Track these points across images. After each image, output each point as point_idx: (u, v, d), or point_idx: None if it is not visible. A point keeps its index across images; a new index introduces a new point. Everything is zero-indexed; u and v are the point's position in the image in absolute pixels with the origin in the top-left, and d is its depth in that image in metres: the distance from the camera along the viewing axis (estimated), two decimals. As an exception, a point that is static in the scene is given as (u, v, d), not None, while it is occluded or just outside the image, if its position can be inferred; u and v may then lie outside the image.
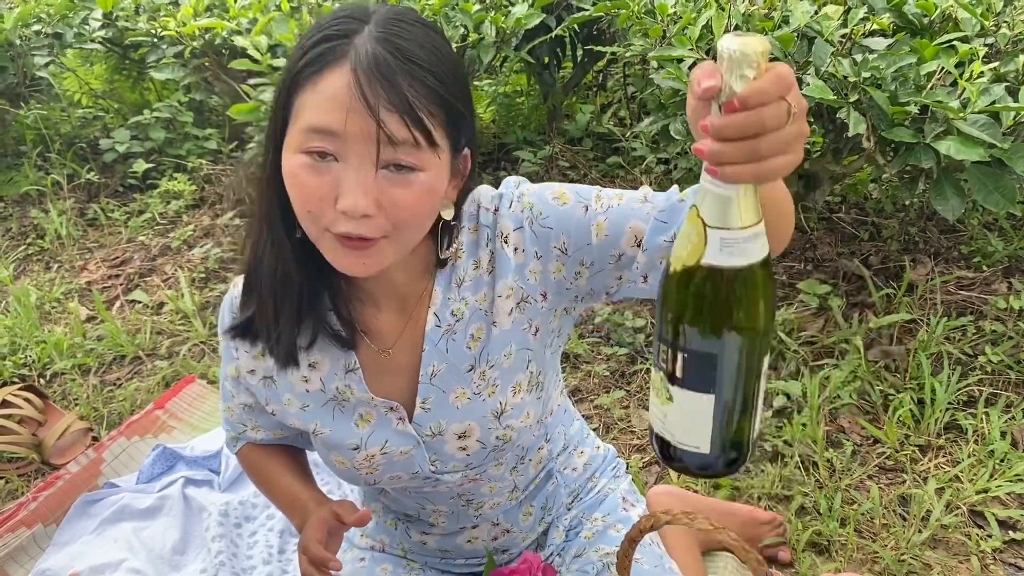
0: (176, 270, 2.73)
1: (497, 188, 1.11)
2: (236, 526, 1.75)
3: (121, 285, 2.73)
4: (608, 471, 1.48)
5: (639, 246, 1.01)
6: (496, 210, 1.08)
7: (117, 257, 2.88)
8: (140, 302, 2.62)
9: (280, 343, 1.07)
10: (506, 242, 1.07)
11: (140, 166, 3.25)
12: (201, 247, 2.83)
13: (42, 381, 2.28)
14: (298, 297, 1.04)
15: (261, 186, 1.01)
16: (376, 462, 1.16)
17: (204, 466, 1.89)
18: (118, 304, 2.64)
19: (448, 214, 1.01)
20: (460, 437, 1.14)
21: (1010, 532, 1.63)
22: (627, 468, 1.51)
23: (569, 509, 1.41)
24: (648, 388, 2.07)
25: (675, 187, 1.04)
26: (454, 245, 1.08)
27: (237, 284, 1.13)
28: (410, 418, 1.14)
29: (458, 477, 1.21)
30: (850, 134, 1.80)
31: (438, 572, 1.41)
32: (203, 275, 2.71)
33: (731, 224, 0.65)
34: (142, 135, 3.37)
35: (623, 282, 1.08)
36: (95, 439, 2.05)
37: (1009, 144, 1.76)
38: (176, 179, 3.18)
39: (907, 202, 2.52)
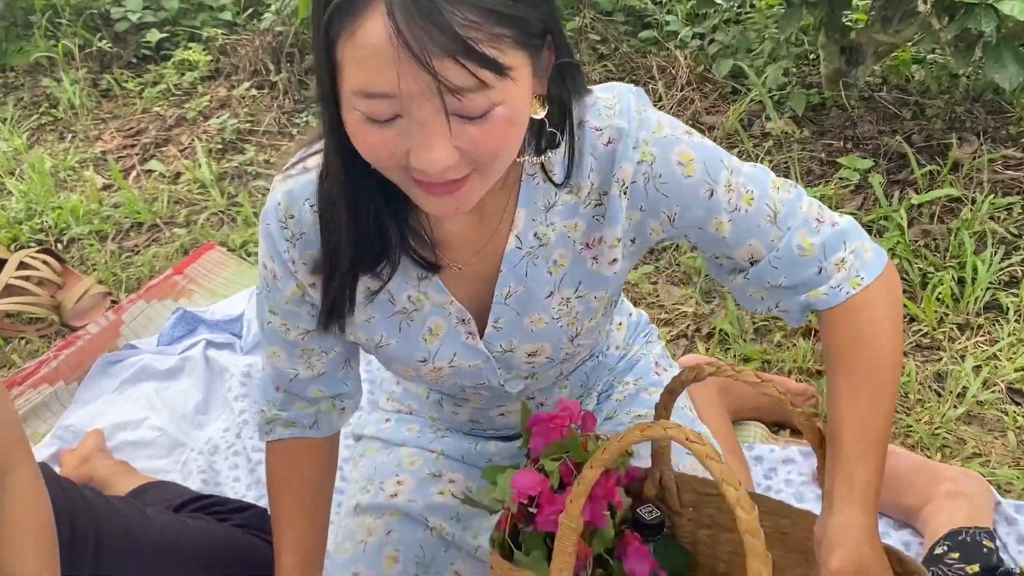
0: (193, 140, 2.67)
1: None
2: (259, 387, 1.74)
3: (137, 155, 2.67)
4: (640, 337, 1.44)
5: (752, 263, 0.99)
6: (610, 142, 0.95)
7: (132, 127, 2.81)
8: (157, 172, 2.56)
9: (362, 265, 0.97)
10: (624, 193, 0.96)
11: (154, 36, 3.14)
12: (218, 118, 2.75)
13: (59, 246, 2.25)
14: (376, 222, 0.93)
15: (326, 130, 0.86)
16: (443, 373, 1.10)
17: (225, 329, 1.87)
18: (134, 174, 2.58)
19: (540, 114, 0.87)
20: (530, 355, 1.09)
21: (1049, 409, 1.60)
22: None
23: (603, 378, 1.38)
24: (677, 264, 2.02)
25: (797, 206, 0.98)
26: (549, 158, 0.96)
27: (276, 191, 1.00)
28: (480, 334, 1.07)
29: (522, 384, 1.17)
30: (906, -7, 1.69)
31: (464, 435, 1.38)
32: (220, 146, 2.64)
33: None
34: (155, 5, 3.24)
35: (714, 268, 1.06)
36: (114, 303, 2.03)
37: (1079, 4, 1.65)
38: (191, 49, 3.08)
39: (960, 73, 2.40)
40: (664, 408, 1.05)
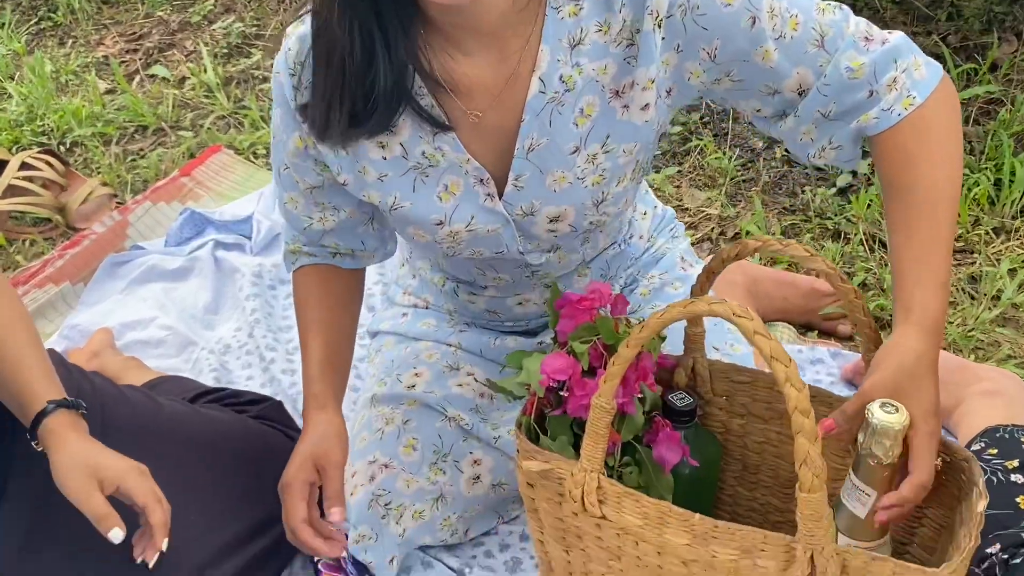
0: (197, 45, 2.57)
1: None
2: (270, 288, 1.69)
3: (140, 60, 2.58)
4: (666, 231, 1.38)
5: (800, 94, 0.92)
6: None
7: (134, 32, 2.72)
8: (160, 76, 2.47)
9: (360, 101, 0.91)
10: (658, 26, 0.90)
11: (154, -63, 3.02)
12: (223, 22, 2.66)
13: (62, 149, 2.19)
14: (373, 45, 0.88)
15: None
16: (460, 238, 1.04)
17: (234, 230, 1.82)
18: (137, 79, 2.50)
19: None
20: (552, 220, 1.03)
21: (1087, 311, 1.54)
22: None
23: (626, 269, 1.33)
24: (701, 167, 1.94)
25: (844, 26, 0.91)
26: None
27: (288, 39, 0.96)
28: (500, 194, 1.02)
29: (544, 257, 1.11)
30: None
31: (482, 329, 1.34)
32: (226, 50, 2.55)
33: (858, 538, 0.86)
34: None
35: (760, 116, 0.98)
36: (119, 204, 1.97)
37: None
38: (194, -50, 2.96)
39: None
40: (701, 290, 1.00)
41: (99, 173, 2.08)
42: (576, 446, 0.93)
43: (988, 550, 1.03)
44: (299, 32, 0.95)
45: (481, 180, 0.99)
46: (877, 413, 0.81)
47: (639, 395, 0.97)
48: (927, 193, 0.89)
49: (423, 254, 1.29)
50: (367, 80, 0.90)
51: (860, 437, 0.83)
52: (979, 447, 1.21)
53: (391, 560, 1.15)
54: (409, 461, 1.18)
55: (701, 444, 1.02)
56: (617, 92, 0.96)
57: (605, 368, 0.88)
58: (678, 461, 0.98)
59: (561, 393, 0.95)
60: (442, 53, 0.93)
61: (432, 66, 0.92)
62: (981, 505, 0.83)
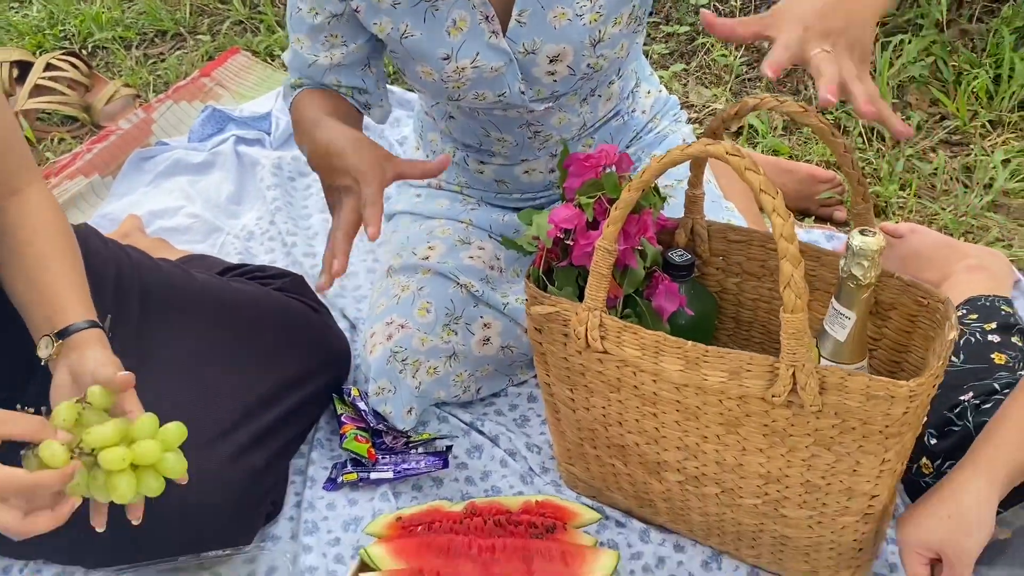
0: (211, -48, 2.60)
1: None
2: (290, 179, 1.76)
3: (156, -34, 2.61)
4: (669, 115, 1.44)
5: None
6: None
7: (149, -60, 2.74)
8: (176, -17, 2.51)
9: None
10: None
11: None
12: (236, -71, 2.67)
13: (84, 53, 2.24)
14: None
15: None
16: (465, 75, 1.12)
17: (254, 127, 1.88)
18: (154, -15, 2.53)
19: None
20: (552, 61, 1.11)
21: (1076, 197, 1.60)
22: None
23: (628, 147, 1.39)
24: (707, 65, 1.99)
25: None
26: None
27: None
28: (504, 31, 1.08)
29: (542, 106, 1.18)
30: None
31: (492, 206, 1.41)
32: (240, -44, 2.58)
33: (840, 360, 0.94)
34: None
35: None
36: (142, 104, 2.03)
37: None
38: None
39: None
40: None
41: (121, 75, 2.14)
42: (580, 296, 1.01)
43: (961, 397, 1.12)
44: None
45: (487, 17, 1.07)
46: (856, 237, 0.89)
47: (640, 248, 1.05)
48: None
49: (431, 111, 1.35)
50: None
51: (841, 262, 0.91)
52: (961, 313, 1.29)
53: (409, 410, 1.24)
54: (423, 322, 1.26)
55: (697, 297, 1.10)
56: None
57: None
58: (675, 310, 1.06)
59: (568, 242, 1.03)
60: None
61: None
62: (952, 335, 0.91)
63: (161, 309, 1.19)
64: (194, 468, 0.92)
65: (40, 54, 2.21)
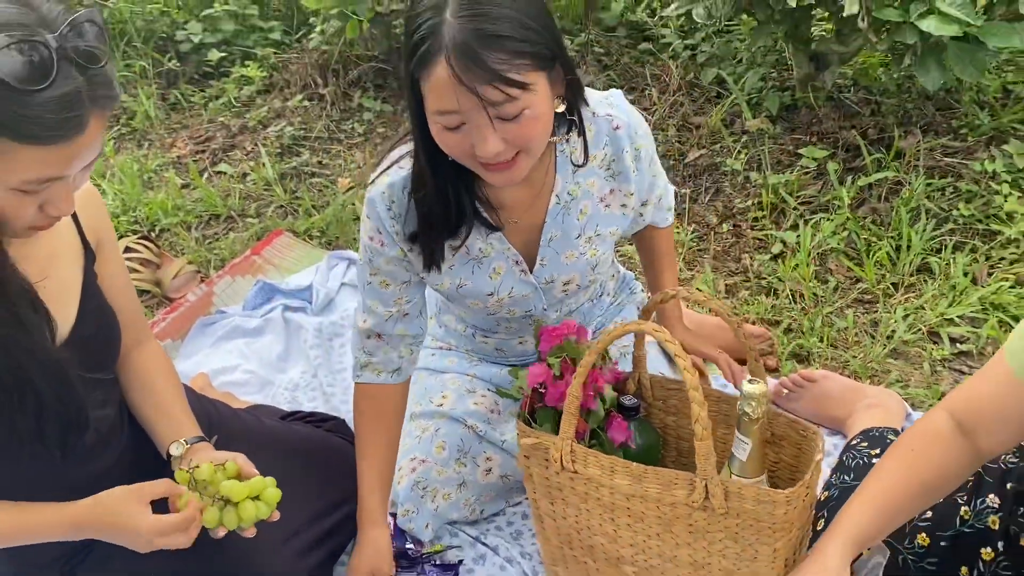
0: (256, 145, 3.11)
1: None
2: (328, 339, 2.17)
3: (207, 159, 3.11)
4: (625, 288, 1.86)
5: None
6: (618, 128, 1.42)
7: (201, 135, 3.26)
8: (226, 172, 3.00)
9: (450, 210, 1.39)
10: (634, 160, 1.45)
11: (214, 55, 3.59)
12: (275, 126, 3.20)
13: (152, 235, 2.69)
14: (456, 196, 1.37)
15: (416, 135, 1.31)
16: (503, 302, 1.54)
17: (299, 297, 2.30)
18: (206, 175, 3.02)
19: (561, 108, 1.31)
20: (565, 284, 1.55)
21: (958, 345, 1.99)
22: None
23: (596, 317, 1.80)
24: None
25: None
26: (571, 138, 1.41)
27: (379, 185, 1.40)
28: (530, 270, 1.51)
29: (556, 313, 1.59)
30: (845, 14, 2.10)
31: (491, 363, 1.81)
32: (279, 150, 3.08)
33: (744, 476, 1.29)
34: (212, 27, 3.70)
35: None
36: (203, 279, 2.46)
37: (982, 22, 2.04)
38: (247, 66, 3.52)
39: (900, 82, 2.79)
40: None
41: (185, 253, 2.58)
42: (556, 430, 1.39)
43: (849, 504, 1.47)
44: (388, 180, 1.39)
45: (517, 262, 1.49)
46: (746, 385, 1.25)
47: (599, 395, 1.43)
48: None
49: (455, 313, 1.76)
50: (454, 214, 1.38)
51: (739, 403, 1.27)
52: (856, 441, 1.66)
53: (427, 526, 1.59)
54: (440, 457, 1.63)
55: (644, 431, 1.48)
56: (602, 199, 1.47)
57: (571, 375, 1.34)
58: (624, 440, 1.43)
59: (542, 391, 1.41)
60: (491, 187, 1.41)
61: (487, 196, 1.42)
62: (818, 457, 1.28)
63: (244, 442, 1.57)
64: (268, 563, 1.28)
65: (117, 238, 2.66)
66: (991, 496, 1.35)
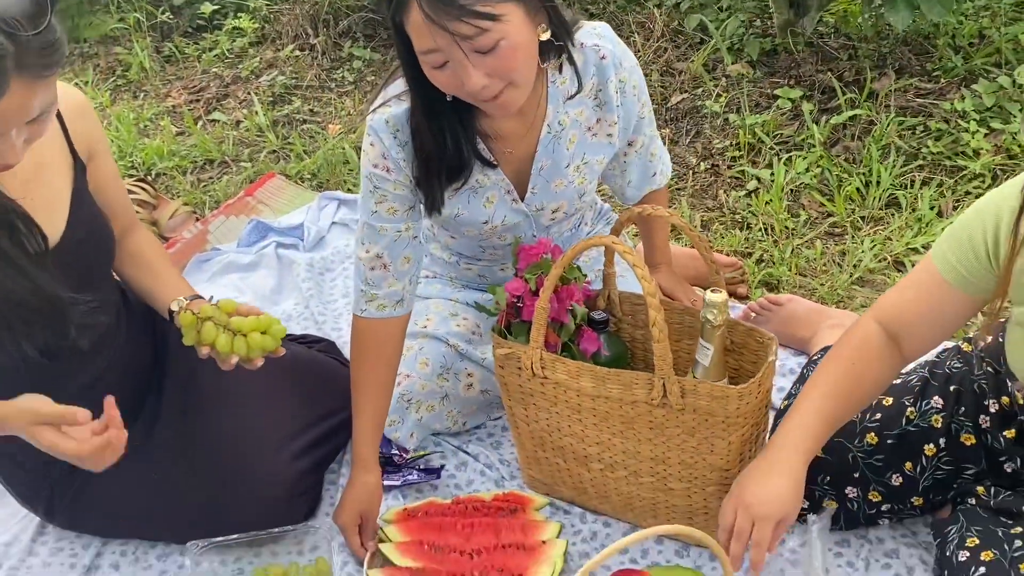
0: (249, 95, 3.18)
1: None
2: (320, 274, 2.26)
3: (202, 108, 3.18)
4: (603, 220, 1.95)
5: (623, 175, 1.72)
6: (604, 58, 1.49)
7: (195, 85, 3.32)
8: (220, 120, 3.07)
9: (450, 158, 1.46)
10: (619, 91, 1.52)
11: (207, 8, 3.64)
12: (268, 76, 3.26)
13: (149, 178, 2.77)
14: (455, 132, 1.44)
15: (409, 79, 1.38)
16: (496, 230, 1.62)
17: (291, 234, 2.39)
18: (201, 123, 3.10)
19: (545, 36, 1.36)
20: (554, 211, 1.63)
21: (921, 272, 2.08)
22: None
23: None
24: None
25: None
26: (563, 67, 1.47)
27: (381, 114, 1.45)
28: (521, 198, 1.59)
29: (545, 234, 1.68)
30: (817, -46, 2.16)
31: (473, 289, 1.90)
32: (271, 98, 3.15)
33: (706, 379, 1.37)
34: (205, -20, 3.75)
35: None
36: (198, 219, 2.55)
37: (948, -40, 2.11)
38: (240, 18, 3.57)
39: (879, 28, 2.85)
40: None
41: (181, 195, 2.66)
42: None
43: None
44: (391, 111, 1.44)
45: (508, 191, 1.57)
46: (708, 294, 1.35)
47: (570, 308, 1.53)
48: None
49: (441, 241, 1.84)
50: (454, 157, 1.45)
51: (701, 311, 1.36)
52: (816, 357, 1.75)
53: (411, 435, 1.69)
54: (423, 373, 1.72)
55: (613, 343, 1.57)
56: (589, 128, 1.55)
57: (543, 285, 1.43)
58: (595, 350, 1.52)
59: (519, 305, 1.50)
60: (487, 120, 1.48)
61: (483, 127, 1.49)
62: (771, 358, 1.37)
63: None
64: (263, 465, 1.38)
65: (114, 181, 2.74)
66: (935, 398, 1.45)
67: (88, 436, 1.26)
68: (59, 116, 1.36)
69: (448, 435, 1.78)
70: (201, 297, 1.46)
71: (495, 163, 1.51)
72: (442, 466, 1.68)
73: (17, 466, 1.54)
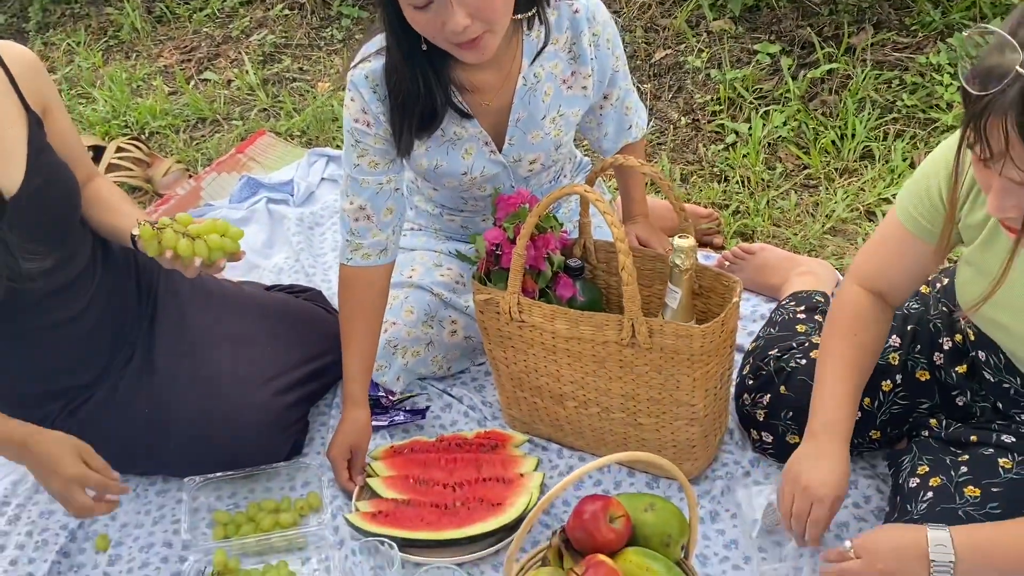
0: (239, 54, 3.21)
1: None
2: (309, 228, 2.33)
3: (193, 67, 3.22)
4: (581, 172, 2.01)
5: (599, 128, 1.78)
6: (576, 12, 1.54)
7: (187, 45, 3.36)
8: (211, 80, 3.12)
9: (424, 108, 1.52)
10: (592, 44, 1.57)
11: (196, -33, 3.66)
12: (257, 35, 3.29)
13: (143, 137, 2.83)
14: (427, 78, 1.49)
15: (388, 24, 1.42)
16: (476, 180, 1.68)
17: (281, 191, 2.45)
18: (193, 82, 3.14)
19: None
20: (531, 162, 1.69)
21: (891, 222, 2.15)
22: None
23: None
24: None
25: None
26: (534, 24, 1.53)
27: (361, 70, 1.51)
28: (499, 149, 1.65)
29: (524, 185, 1.74)
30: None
31: (457, 240, 1.96)
32: (261, 58, 3.19)
33: (675, 321, 1.45)
34: (194, -61, 3.76)
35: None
36: (191, 176, 2.61)
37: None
38: (229, -23, 3.60)
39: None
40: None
41: (173, 154, 2.72)
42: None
43: (771, 352, 1.65)
44: (370, 66, 1.50)
45: (486, 143, 1.63)
46: (676, 239, 1.43)
47: (547, 256, 1.60)
48: None
49: (424, 194, 1.90)
50: (427, 103, 1.50)
51: (670, 256, 1.44)
52: (785, 302, 1.83)
53: (398, 379, 1.77)
54: (408, 320, 1.80)
55: (587, 289, 1.65)
56: (564, 80, 1.61)
57: (519, 232, 1.50)
58: (570, 296, 1.60)
59: (498, 253, 1.58)
60: (463, 70, 1.54)
61: (460, 78, 1.54)
62: (735, 299, 1.45)
63: (226, 304, 1.75)
64: (249, 398, 1.47)
65: (108, 140, 2.80)
66: (894, 337, 1.53)
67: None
68: (9, 75, 1.44)
69: (433, 379, 1.86)
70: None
71: (471, 114, 1.57)
72: (427, 407, 1.77)
73: (14, 406, 1.62)
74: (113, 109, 2.94)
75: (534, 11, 1.51)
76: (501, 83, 1.58)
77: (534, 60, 1.57)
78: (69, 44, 3.43)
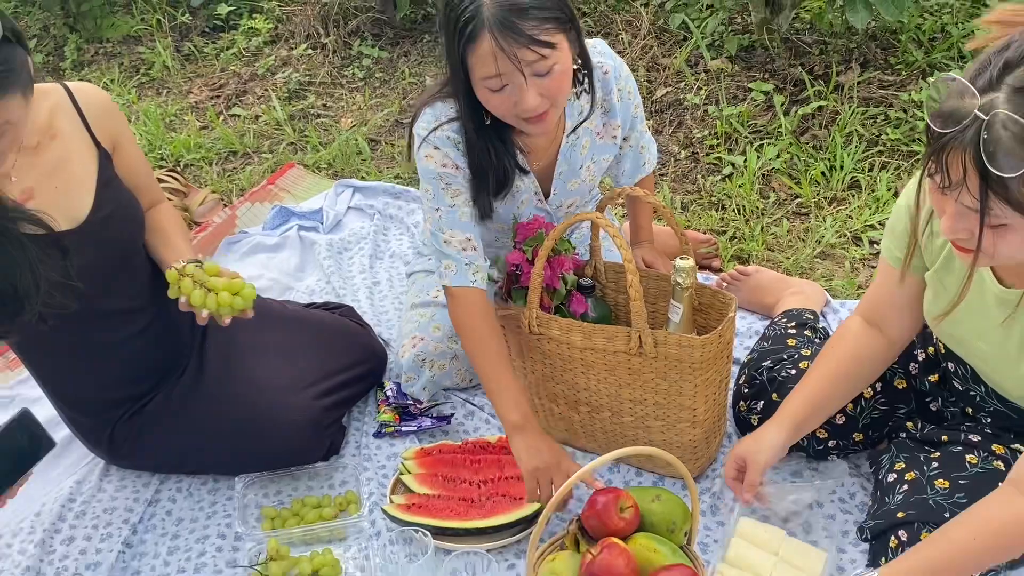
0: (266, 91, 3.42)
1: None
2: (338, 253, 2.51)
3: (222, 103, 3.43)
4: (593, 203, 2.20)
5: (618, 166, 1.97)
6: (607, 73, 1.76)
7: (215, 83, 3.57)
8: (240, 115, 3.32)
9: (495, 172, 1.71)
10: (619, 99, 1.79)
11: (223, 8, 3.88)
12: (282, 73, 3.50)
13: (179, 169, 3.02)
14: (497, 149, 1.69)
15: (459, 99, 1.62)
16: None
17: (311, 218, 2.64)
18: (222, 118, 3.34)
19: (577, 64, 1.64)
20: (569, 206, 1.90)
21: (876, 246, 2.34)
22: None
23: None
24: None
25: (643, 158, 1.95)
26: (581, 94, 1.74)
27: (438, 134, 1.67)
28: (546, 198, 1.86)
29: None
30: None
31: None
32: (286, 94, 3.40)
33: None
34: (220, -18, 3.99)
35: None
36: (226, 206, 2.80)
37: (901, -33, 2.35)
38: (255, 19, 3.82)
39: (849, 26, 3.09)
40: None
41: (208, 184, 2.91)
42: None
43: (763, 364, 1.82)
44: (447, 133, 1.68)
45: (536, 193, 1.83)
46: (678, 260, 1.60)
47: (561, 276, 1.78)
48: None
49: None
50: (498, 169, 1.70)
51: (672, 275, 1.62)
52: (778, 318, 2.00)
53: (424, 389, 1.95)
54: (435, 336, 1.98)
55: (598, 306, 1.83)
56: (599, 133, 1.83)
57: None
58: (583, 311, 1.78)
59: (517, 274, 1.76)
60: (519, 135, 1.73)
61: (517, 142, 1.74)
62: (731, 313, 1.63)
63: (270, 319, 1.93)
64: (290, 401, 1.66)
65: (146, 171, 2.99)
66: (873, 349, 1.70)
67: None
68: (81, 115, 1.63)
69: (456, 389, 2.03)
70: (200, 261, 1.67)
71: (528, 169, 1.78)
72: (452, 415, 1.94)
73: (81, 413, 1.80)
74: (149, 143, 3.14)
75: (584, 83, 1.71)
76: (549, 143, 1.79)
77: (578, 125, 1.77)
78: (105, 82, 3.64)
